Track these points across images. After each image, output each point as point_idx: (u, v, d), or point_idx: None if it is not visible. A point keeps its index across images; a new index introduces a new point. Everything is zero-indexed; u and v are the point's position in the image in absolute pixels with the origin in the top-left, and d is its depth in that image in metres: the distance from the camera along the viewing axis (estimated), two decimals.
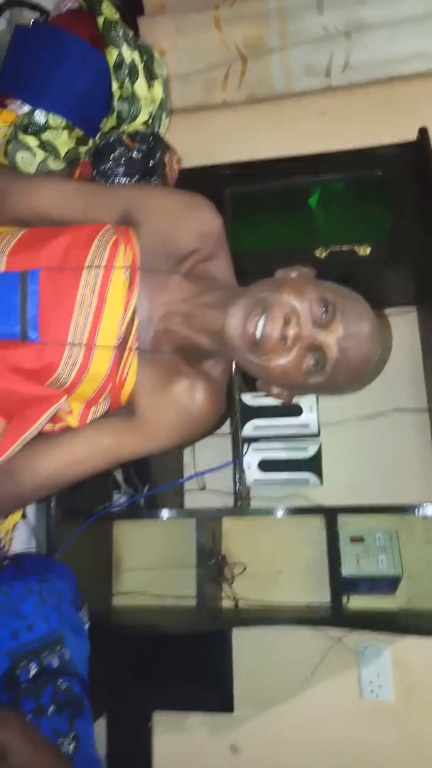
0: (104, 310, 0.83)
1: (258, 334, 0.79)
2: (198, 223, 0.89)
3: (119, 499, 1.65)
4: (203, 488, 1.76)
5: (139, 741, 1.73)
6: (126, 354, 0.85)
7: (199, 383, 0.89)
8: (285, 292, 0.80)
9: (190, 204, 0.90)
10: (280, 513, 1.57)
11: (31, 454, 0.86)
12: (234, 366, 1.19)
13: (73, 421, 0.87)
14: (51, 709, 0.96)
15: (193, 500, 1.78)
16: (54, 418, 0.87)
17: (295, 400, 1.21)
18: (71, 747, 0.96)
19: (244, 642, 1.71)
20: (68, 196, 0.90)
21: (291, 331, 0.79)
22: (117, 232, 0.87)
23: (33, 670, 0.97)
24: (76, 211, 0.89)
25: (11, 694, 0.95)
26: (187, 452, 1.79)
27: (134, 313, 0.85)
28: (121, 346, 0.84)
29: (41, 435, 0.87)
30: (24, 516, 1.31)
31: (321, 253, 1.47)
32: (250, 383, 1.63)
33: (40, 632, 1.00)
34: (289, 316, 0.79)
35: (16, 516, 1.26)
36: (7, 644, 0.96)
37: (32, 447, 0.86)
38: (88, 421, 0.88)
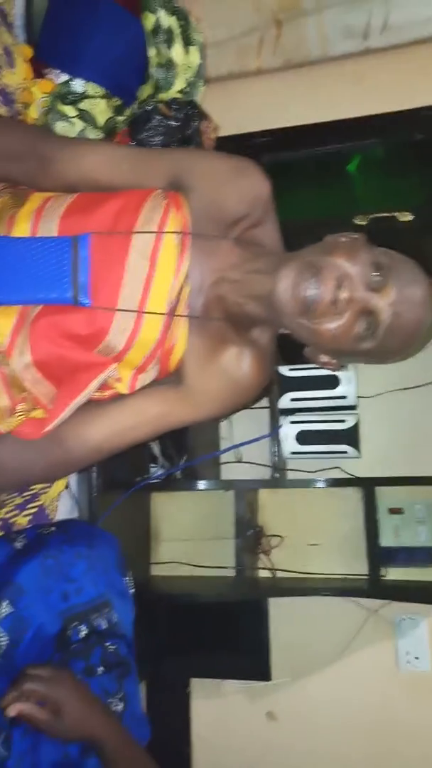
0: (155, 275, 0.82)
1: (309, 297, 0.78)
2: (248, 187, 0.87)
3: (156, 471, 1.67)
4: (240, 460, 1.77)
5: (177, 706, 1.77)
6: (176, 321, 0.85)
7: (247, 351, 0.88)
8: (337, 255, 0.79)
9: (240, 168, 0.88)
10: (317, 485, 1.57)
11: (81, 421, 0.87)
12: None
13: (123, 388, 0.87)
14: (100, 669, 0.99)
15: (229, 472, 1.79)
16: (103, 386, 0.87)
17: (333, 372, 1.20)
18: (120, 707, 0.99)
19: (282, 612, 1.73)
20: (116, 161, 0.89)
21: (343, 295, 0.77)
22: (167, 196, 0.86)
23: (83, 632, 0.99)
24: (125, 177, 0.88)
25: (63, 655, 0.97)
26: (223, 424, 1.80)
27: (185, 279, 0.85)
28: (172, 313, 0.84)
29: (90, 402, 0.87)
30: (67, 486, 1.33)
31: (361, 221, 1.45)
32: (287, 355, 1.62)
33: (89, 595, 1.02)
34: (341, 279, 0.78)
35: (61, 485, 1.28)
36: (58, 605, 0.99)
37: (82, 414, 0.86)
38: (137, 387, 0.88)
